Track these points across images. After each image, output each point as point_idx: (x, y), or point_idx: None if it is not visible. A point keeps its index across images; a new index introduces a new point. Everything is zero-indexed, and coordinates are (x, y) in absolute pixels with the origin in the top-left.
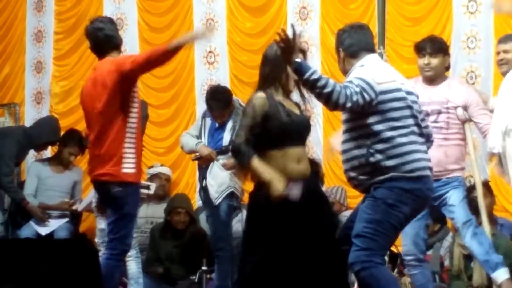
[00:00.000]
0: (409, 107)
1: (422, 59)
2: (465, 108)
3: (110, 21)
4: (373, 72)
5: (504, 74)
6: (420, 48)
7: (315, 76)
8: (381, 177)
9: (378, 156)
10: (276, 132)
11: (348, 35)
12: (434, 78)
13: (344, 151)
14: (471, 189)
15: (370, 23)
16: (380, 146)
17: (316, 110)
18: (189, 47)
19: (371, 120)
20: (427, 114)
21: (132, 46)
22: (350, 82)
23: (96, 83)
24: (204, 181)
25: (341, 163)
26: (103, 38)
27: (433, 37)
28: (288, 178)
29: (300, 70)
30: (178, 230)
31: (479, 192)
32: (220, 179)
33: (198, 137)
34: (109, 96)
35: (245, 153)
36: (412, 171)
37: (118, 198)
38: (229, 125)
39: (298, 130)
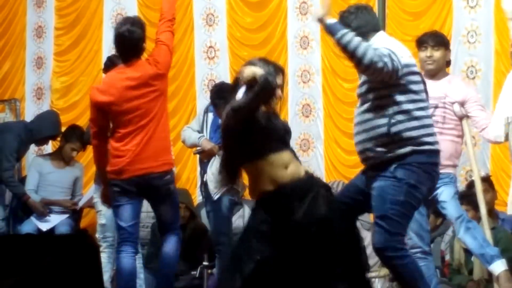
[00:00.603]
0: (423, 82)
1: (424, 51)
2: (463, 104)
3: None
4: (394, 46)
5: None
6: (422, 42)
7: (347, 38)
8: (401, 151)
9: (399, 127)
10: (259, 138)
11: (355, 16)
12: (435, 72)
13: (362, 122)
14: (471, 184)
15: None
16: (400, 117)
17: (317, 105)
18: (189, 42)
19: (393, 91)
20: None
21: None
22: (376, 48)
23: (140, 86)
24: (205, 175)
25: (341, 158)
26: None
27: (434, 31)
28: (280, 185)
29: (330, 31)
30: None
31: (478, 186)
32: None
33: (200, 131)
34: (163, 93)
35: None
36: (432, 143)
37: (172, 186)
38: None
39: (280, 134)
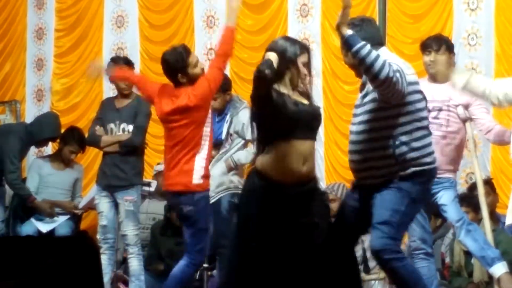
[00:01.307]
0: (425, 99)
1: (428, 56)
2: (467, 106)
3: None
4: (399, 63)
5: None
6: (425, 46)
7: (365, 51)
8: (402, 173)
9: (403, 148)
10: (283, 122)
11: (360, 29)
12: None
13: (363, 141)
14: (473, 187)
15: None
16: (405, 138)
17: None
18: (190, 44)
19: (397, 111)
20: (428, 111)
21: (133, 44)
22: (391, 64)
23: (174, 111)
24: None
25: (341, 160)
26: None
27: (438, 35)
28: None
29: (349, 43)
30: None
31: (480, 189)
32: (218, 180)
33: None
34: (194, 122)
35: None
36: (431, 163)
37: (190, 210)
38: (227, 117)
39: (307, 120)
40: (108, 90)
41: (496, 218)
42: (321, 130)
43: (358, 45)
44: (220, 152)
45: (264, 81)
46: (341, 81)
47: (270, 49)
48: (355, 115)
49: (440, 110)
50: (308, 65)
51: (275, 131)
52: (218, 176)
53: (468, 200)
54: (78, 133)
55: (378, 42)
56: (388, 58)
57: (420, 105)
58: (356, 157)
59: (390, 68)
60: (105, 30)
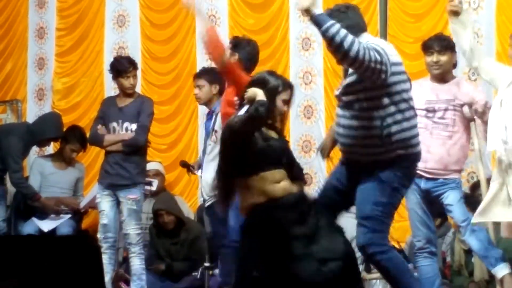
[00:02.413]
0: (409, 80)
1: (430, 57)
2: (470, 106)
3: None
4: (382, 44)
5: None
6: (427, 46)
7: (334, 29)
8: (387, 156)
9: (392, 129)
10: (253, 157)
11: (345, 16)
12: (443, 75)
13: (350, 126)
14: (475, 186)
15: (372, 19)
16: (392, 119)
17: (319, 106)
18: (191, 44)
19: (383, 91)
20: (434, 111)
21: (134, 43)
22: (364, 43)
23: None
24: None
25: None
26: None
27: (440, 35)
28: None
29: (317, 22)
30: (170, 229)
31: (484, 189)
32: (211, 183)
33: None
34: None
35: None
36: (416, 145)
37: None
38: (217, 110)
39: (275, 154)
40: (110, 90)
41: None
42: (322, 130)
43: (327, 24)
44: (207, 153)
45: (260, 122)
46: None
47: (255, 82)
48: (342, 94)
49: (446, 110)
50: (288, 102)
51: (246, 167)
52: (212, 179)
53: (468, 200)
54: (80, 132)
55: (362, 29)
56: (370, 40)
57: (406, 85)
58: (342, 140)
59: (361, 46)
60: (106, 30)
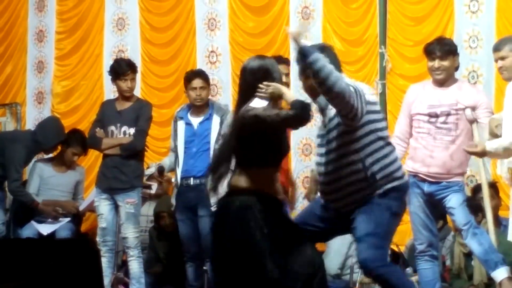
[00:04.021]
0: (384, 118)
1: (432, 62)
2: (474, 109)
3: None
4: (357, 84)
5: (508, 80)
6: (429, 52)
7: (321, 62)
8: (376, 193)
9: (374, 168)
10: (272, 151)
11: (324, 55)
12: (445, 80)
13: (333, 171)
14: (477, 189)
15: (372, 22)
16: (372, 159)
17: None
18: (191, 47)
19: (360, 133)
20: (436, 116)
21: (134, 46)
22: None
23: None
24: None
25: None
26: None
27: (441, 39)
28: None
29: (305, 52)
30: (171, 231)
31: (485, 192)
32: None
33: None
34: None
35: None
36: (401, 177)
37: None
38: (214, 117)
39: (284, 152)
40: (109, 93)
41: (498, 222)
42: None
43: (314, 56)
44: None
45: (303, 123)
46: None
47: (261, 72)
48: (320, 146)
49: (448, 114)
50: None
51: (258, 157)
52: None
53: (469, 203)
54: (81, 135)
55: (338, 69)
56: (345, 80)
57: (381, 124)
58: (329, 188)
59: (345, 84)
60: (106, 33)
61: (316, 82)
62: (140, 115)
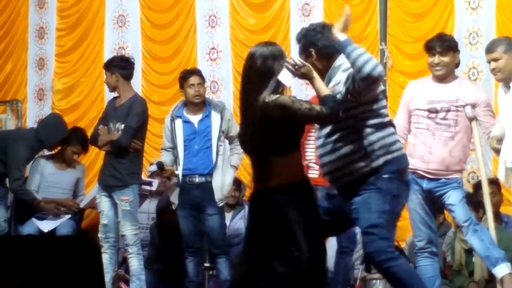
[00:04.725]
0: (385, 97)
1: (432, 58)
2: (474, 106)
3: None
4: None
5: (501, 81)
6: (429, 47)
7: (360, 49)
8: (374, 164)
9: (370, 138)
10: (296, 134)
11: (322, 35)
12: (445, 76)
13: (335, 150)
14: (478, 186)
15: (372, 19)
16: (370, 129)
17: None
18: (192, 44)
19: (362, 109)
20: (436, 112)
21: (135, 43)
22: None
23: None
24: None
25: None
26: None
27: (441, 35)
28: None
29: (345, 45)
30: (173, 228)
31: (485, 189)
32: (228, 186)
33: (171, 146)
34: None
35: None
36: (399, 149)
37: None
38: (213, 113)
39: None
40: None
41: (499, 218)
42: None
43: (353, 45)
44: (221, 153)
45: (332, 121)
46: None
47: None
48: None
49: (448, 110)
50: None
51: (289, 143)
52: (229, 184)
53: (470, 199)
54: (81, 133)
55: (337, 50)
56: (345, 62)
57: (384, 102)
58: (323, 160)
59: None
60: (107, 30)
61: (358, 68)
62: (130, 111)
